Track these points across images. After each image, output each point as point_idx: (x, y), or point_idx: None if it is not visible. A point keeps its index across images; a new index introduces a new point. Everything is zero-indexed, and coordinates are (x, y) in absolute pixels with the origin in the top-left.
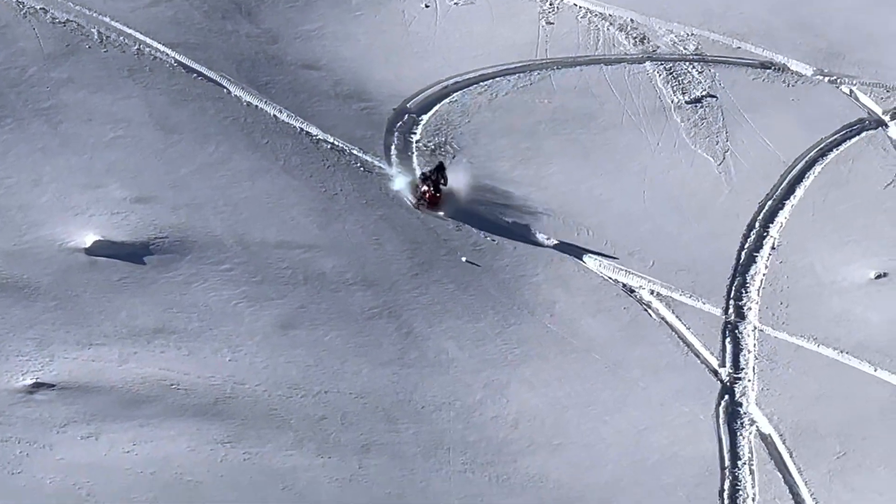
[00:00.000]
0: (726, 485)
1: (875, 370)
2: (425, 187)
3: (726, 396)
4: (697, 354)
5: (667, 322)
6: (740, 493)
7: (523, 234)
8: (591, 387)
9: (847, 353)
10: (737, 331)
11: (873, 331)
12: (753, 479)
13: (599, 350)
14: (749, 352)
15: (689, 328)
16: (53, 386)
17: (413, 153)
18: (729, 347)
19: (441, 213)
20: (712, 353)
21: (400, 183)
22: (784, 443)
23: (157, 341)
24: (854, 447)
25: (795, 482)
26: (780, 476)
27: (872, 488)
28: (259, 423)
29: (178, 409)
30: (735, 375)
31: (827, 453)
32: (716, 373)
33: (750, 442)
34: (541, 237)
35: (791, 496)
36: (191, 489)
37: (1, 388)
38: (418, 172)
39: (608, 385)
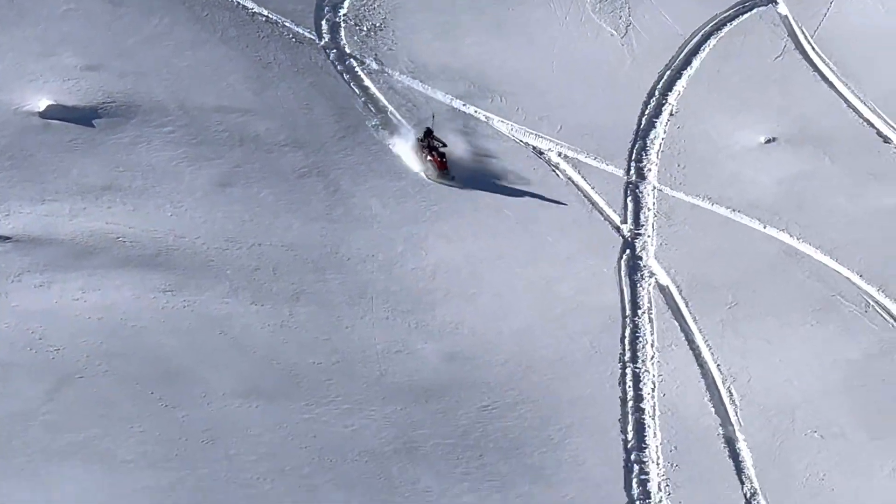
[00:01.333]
0: (627, 332)
1: (764, 227)
2: (428, 155)
3: (628, 251)
4: (601, 212)
5: (573, 182)
6: (640, 339)
7: (440, 101)
8: (503, 241)
9: (739, 211)
10: (637, 190)
11: (763, 191)
12: (652, 327)
13: (511, 207)
14: (649, 210)
15: (593, 188)
16: (9, 238)
17: (341, 27)
18: (630, 206)
19: (451, 180)
20: (615, 211)
21: (403, 149)
22: (680, 294)
23: (104, 198)
24: (744, 298)
25: (690, 330)
26: (677, 324)
27: (761, 336)
28: (198, 273)
29: (124, 261)
30: (636, 231)
31: (719, 304)
32: (618, 229)
33: (649, 293)
34: (457, 104)
35: (686, 342)
36: (135, 334)
37: None
38: (413, 137)
39: (519, 240)
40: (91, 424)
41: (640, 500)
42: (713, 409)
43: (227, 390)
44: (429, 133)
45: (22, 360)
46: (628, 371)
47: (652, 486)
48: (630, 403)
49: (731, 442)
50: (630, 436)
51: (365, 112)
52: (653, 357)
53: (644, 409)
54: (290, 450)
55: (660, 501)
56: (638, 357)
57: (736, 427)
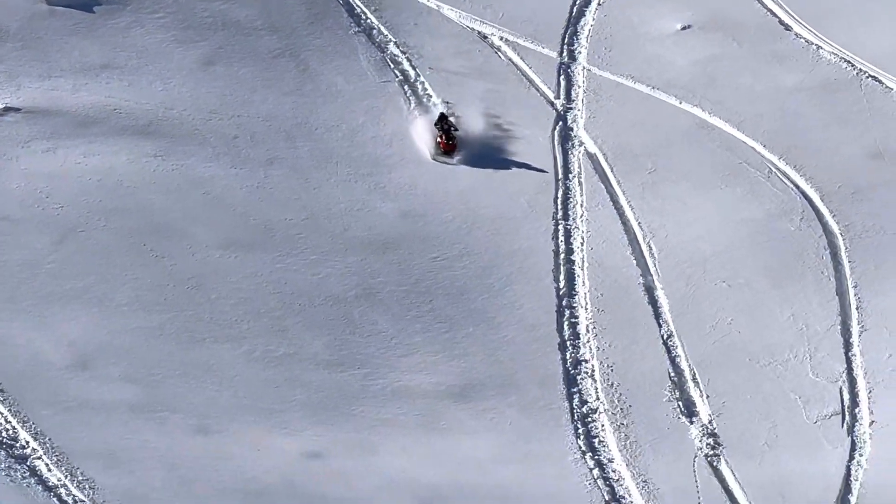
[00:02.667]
0: (560, 193)
1: (680, 103)
2: (438, 136)
3: (560, 123)
4: (538, 89)
5: (513, 63)
6: (571, 199)
7: None
8: (446, 108)
9: (657, 88)
10: (569, 70)
11: (679, 71)
12: (581, 189)
13: (458, 83)
14: (579, 87)
15: (530, 68)
16: (20, 110)
17: None
18: (563, 83)
19: (454, 160)
20: (549, 88)
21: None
22: (606, 160)
23: (103, 75)
24: (662, 164)
25: (615, 192)
26: (603, 187)
27: (676, 197)
28: (184, 140)
29: (120, 129)
30: (567, 106)
31: (640, 169)
32: (552, 104)
33: (579, 159)
34: None
35: (611, 203)
36: (129, 193)
37: None
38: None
39: (461, 107)
40: (90, 272)
41: (570, 340)
42: (634, 262)
43: (210, 242)
44: (443, 118)
45: (30, 215)
46: (560, 227)
47: (581, 328)
48: (562, 256)
49: (650, 290)
50: (562, 284)
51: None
52: (582, 215)
53: (574, 261)
54: (265, 295)
55: (587, 342)
56: (569, 215)
57: (654, 277)
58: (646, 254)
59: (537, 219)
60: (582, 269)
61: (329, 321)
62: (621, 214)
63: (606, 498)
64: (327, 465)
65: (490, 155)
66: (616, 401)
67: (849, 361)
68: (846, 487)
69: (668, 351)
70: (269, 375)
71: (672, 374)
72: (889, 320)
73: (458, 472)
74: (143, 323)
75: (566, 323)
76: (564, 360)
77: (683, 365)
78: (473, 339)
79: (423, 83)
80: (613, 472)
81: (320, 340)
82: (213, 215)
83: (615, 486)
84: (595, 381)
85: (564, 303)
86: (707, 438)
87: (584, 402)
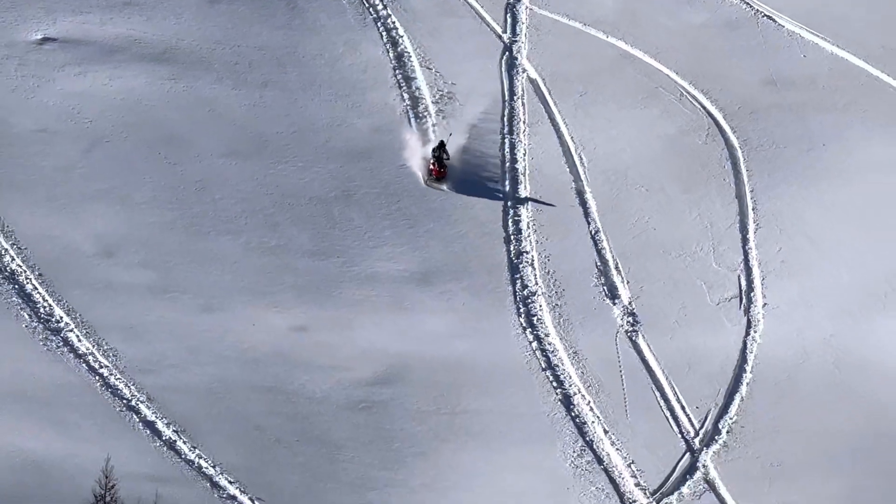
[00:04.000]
0: (506, 112)
1: (607, 37)
2: (431, 163)
3: (507, 53)
4: (489, 25)
5: (468, 2)
6: (515, 118)
7: None
8: (417, 43)
9: (588, 25)
10: (515, 9)
11: (607, 10)
12: (524, 109)
13: (422, 19)
14: (523, 23)
15: (483, 7)
16: (56, 39)
17: None
18: (509, 20)
19: (444, 188)
20: (498, 24)
21: (414, 160)
22: (545, 84)
23: (126, 10)
24: (591, 89)
25: (552, 111)
26: (542, 107)
27: (603, 115)
28: (194, 66)
29: (140, 57)
30: (513, 39)
31: (573, 93)
32: (500, 37)
33: (522, 84)
34: None
35: (549, 120)
36: (147, 110)
37: (21, 40)
38: (429, 150)
39: (429, 43)
40: (114, 176)
41: (514, 235)
42: (568, 170)
43: (214, 151)
44: (442, 146)
45: (64, 128)
46: (506, 141)
47: (522, 225)
48: (507, 164)
49: (580, 193)
50: (507, 188)
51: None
52: (524, 131)
53: (518, 169)
54: (260, 196)
55: (528, 236)
56: (514, 130)
57: (584, 183)
58: (577, 163)
59: (487, 133)
60: (524, 176)
61: (313, 218)
62: (557, 130)
63: (543, 366)
64: (312, 337)
65: (448, 80)
66: (551, 285)
67: (746, 254)
68: (743, 359)
69: (596, 244)
70: (263, 263)
71: (598, 264)
72: (780, 220)
73: (421, 344)
74: (159, 218)
75: (510, 220)
76: (509, 252)
77: (608, 256)
78: (433, 233)
79: (393, 22)
80: (549, 344)
81: (306, 234)
82: (216, 129)
83: (550, 356)
84: (534, 269)
85: (509, 203)
86: (627, 317)
87: (524, 287)
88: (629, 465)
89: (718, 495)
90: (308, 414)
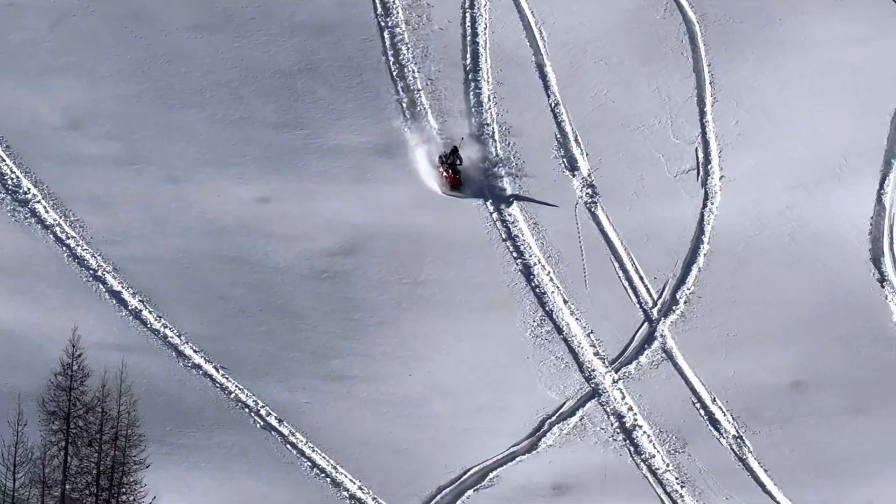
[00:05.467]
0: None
1: None
2: (444, 171)
3: None
4: None
5: None
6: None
7: None
8: None
9: None
10: None
11: None
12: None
13: None
14: None
15: None
16: None
17: None
18: None
19: (463, 194)
20: None
21: (423, 167)
22: None
23: None
24: None
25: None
26: None
27: None
28: None
29: None
30: None
31: None
32: None
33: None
34: None
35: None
36: None
37: None
38: (436, 157)
39: None
40: (81, 49)
41: (475, 107)
42: (528, 44)
43: (180, 25)
44: (454, 151)
45: (32, 2)
46: (468, 15)
47: (483, 98)
48: (468, 38)
49: (540, 67)
50: (468, 61)
51: None
52: (485, 5)
53: (479, 44)
54: (224, 69)
55: (489, 109)
56: (474, 4)
57: (544, 56)
58: (537, 37)
59: (448, 8)
60: (485, 50)
61: (277, 90)
62: (517, 4)
63: (503, 236)
64: (275, 208)
65: None
66: (512, 157)
67: (703, 126)
68: (700, 230)
69: (555, 117)
70: (227, 135)
71: (558, 136)
72: (736, 93)
73: (383, 215)
74: (125, 91)
75: (471, 93)
76: (470, 125)
77: (568, 128)
78: (395, 106)
79: None
80: (509, 215)
81: (270, 106)
82: (182, 3)
83: (510, 226)
84: (495, 141)
85: (470, 77)
86: (586, 189)
87: (485, 158)
88: (588, 335)
89: (676, 364)
90: (271, 284)
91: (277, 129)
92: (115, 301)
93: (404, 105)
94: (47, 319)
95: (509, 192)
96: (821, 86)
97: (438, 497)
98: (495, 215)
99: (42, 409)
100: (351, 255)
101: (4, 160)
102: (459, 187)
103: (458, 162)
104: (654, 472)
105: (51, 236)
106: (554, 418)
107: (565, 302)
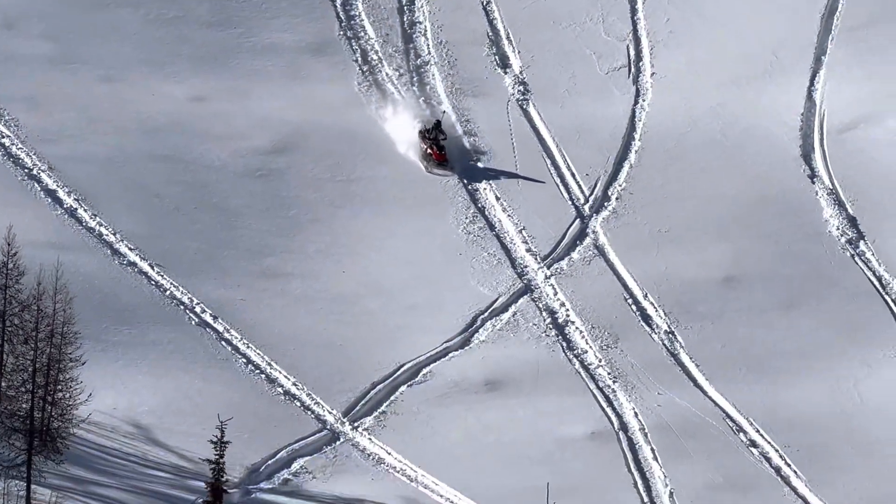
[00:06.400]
0: None
1: None
2: (428, 148)
3: None
4: None
5: None
6: None
7: None
8: None
9: None
10: None
11: None
12: None
13: None
14: None
15: None
16: None
17: None
18: None
19: (450, 171)
20: None
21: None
22: None
23: None
24: None
25: None
26: None
27: None
28: None
29: None
30: None
31: None
32: None
33: None
34: None
35: None
36: None
37: None
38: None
39: None
40: None
41: (407, 5)
42: None
43: None
44: (437, 126)
45: None
46: None
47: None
48: None
49: None
50: None
51: None
52: None
53: None
54: None
55: (421, 6)
56: None
57: None
58: None
59: None
60: None
61: None
62: None
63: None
64: (209, 107)
65: None
66: (444, 55)
67: (634, 24)
68: (632, 127)
69: (487, 14)
70: (161, 34)
71: (490, 34)
72: None
73: (316, 113)
74: None
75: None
76: (402, 22)
77: (499, 26)
78: (328, 4)
79: None
80: (442, 113)
81: (204, 5)
82: None
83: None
84: (427, 39)
85: None
86: (518, 86)
87: (418, 56)
88: (520, 231)
89: (608, 260)
90: (206, 182)
91: (211, 27)
92: (50, 200)
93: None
94: None
95: (441, 90)
96: None
97: (372, 393)
98: (428, 112)
99: None
100: (285, 153)
101: None
102: (445, 164)
103: (441, 137)
104: (586, 368)
105: None
106: (486, 314)
107: (497, 199)
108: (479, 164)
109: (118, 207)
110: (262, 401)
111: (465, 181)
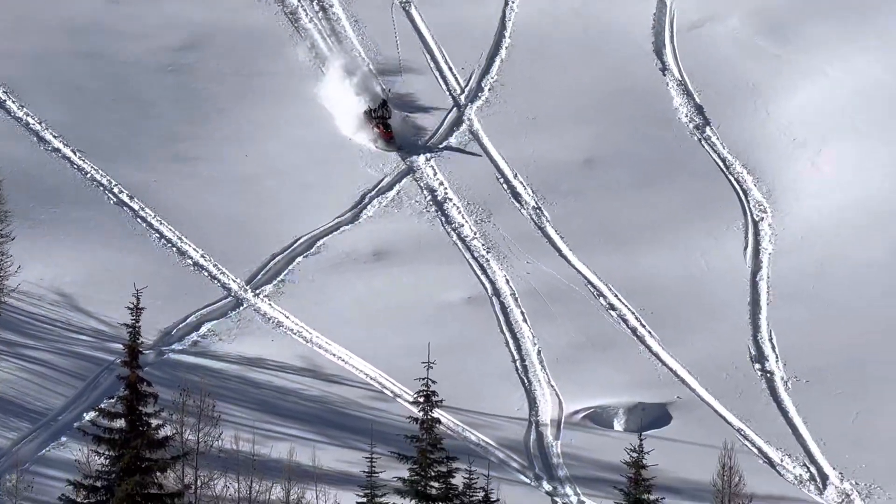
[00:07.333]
0: None
1: None
2: (374, 126)
3: None
4: None
5: None
6: None
7: None
8: None
9: None
10: None
11: None
12: None
13: None
14: None
15: None
16: None
17: None
18: None
19: (397, 148)
20: None
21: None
22: None
23: None
24: None
25: None
26: None
27: None
28: None
29: None
30: None
31: None
32: None
33: None
34: None
35: None
36: None
37: None
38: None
39: None
40: None
41: None
42: None
43: None
44: (383, 104)
45: None
46: None
47: None
48: None
49: None
50: None
51: None
52: None
53: None
54: None
55: None
56: None
57: None
58: None
59: None
60: None
61: None
62: None
63: (328, 32)
64: (124, 8)
65: None
66: None
67: None
68: (502, 26)
69: None
70: None
71: None
72: None
73: (221, 13)
74: None
75: None
76: None
77: None
78: None
79: None
80: (333, 14)
81: None
82: None
83: (334, 24)
84: None
85: None
86: None
87: None
88: (405, 118)
89: (482, 144)
90: (123, 77)
91: None
92: None
93: None
94: None
95: None
96: None
97: (272, 263)
98: (321, 13)
99: None
100: (193, 50)
101: None
102: (393, 141)
103: (388, 116)
104: (462, 240)
105: None
106: (374, 193)
107: (383, 90)
108: (361, 56)
109: (43, 99)
110: (173, 271)
111: (355, 74)
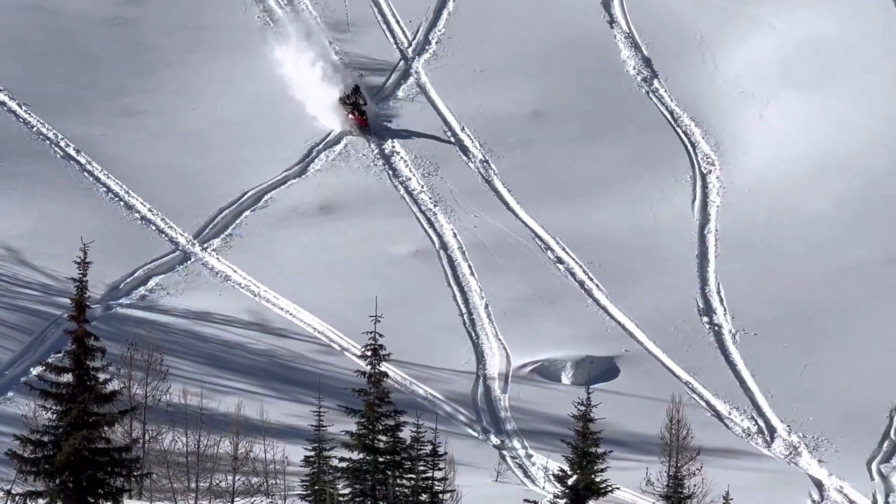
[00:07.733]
0: None
1: None
2: (349, 113)
3: None
4: None
5: None
6: None
7: None
8: None
9: None
10: None
11: None
12: None
13: None
14: None
15: None
16: None
17: None
18: None
19: (371, 135)
20: None
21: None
22: None
23: None
24: None
25: None
26: None
27: None
28: None
29: None
30: None
31: None
32: None
33: None
34: None
35: None
36: None
37: None
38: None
39: None
40: None
41: None
42: None
43: None
44: (356, 90)
45: None
46: None
47: None
48: None
49: None
50: None
51: None
52: None
53: None
54: None
55: None
56: None
57: None
58: None
59: None
60: None
61: None
62: None
63: None
64: None
65: None
66: None
67: None
68: None
69: None
70: None
71: None
72: None
73: None
74: None
75: None
76: None
77: None
78: None
79: None
80: (360, 76)
81: None
82: None
83: None
84: None
85: None
86: None
87: None
88: (352, 72)
89: (429, 97)
90: (69, 30)
91: None
92: None
93: None
94: None
95: None
96: None
97: (219, 217)
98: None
99: None
100: (139, 3)
101: None
102: (367, 127)
103: (361, 102)
104: (410, 193)
105: None
106: (321, 146)
107: (331, 43)
108: (314, 15)
109: None
110: (121, 225)
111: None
